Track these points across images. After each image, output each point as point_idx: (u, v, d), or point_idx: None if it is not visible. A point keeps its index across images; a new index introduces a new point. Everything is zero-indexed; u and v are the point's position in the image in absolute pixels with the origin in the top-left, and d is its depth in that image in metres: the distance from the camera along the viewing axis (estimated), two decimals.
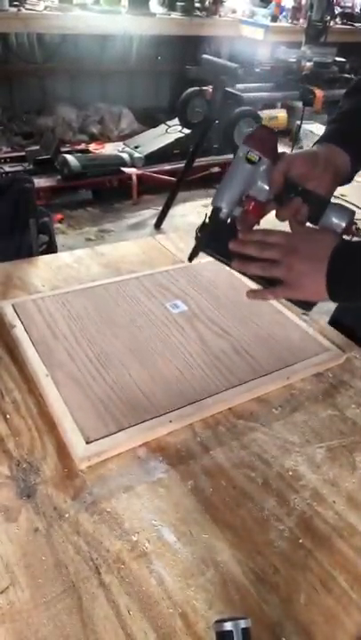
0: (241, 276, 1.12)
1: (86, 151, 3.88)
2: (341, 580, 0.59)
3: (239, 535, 0.62)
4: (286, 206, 0.73)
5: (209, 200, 0.77)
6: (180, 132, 3.86)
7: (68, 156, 3.40)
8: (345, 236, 0.72)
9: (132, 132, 4.29)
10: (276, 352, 0.91)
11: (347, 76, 3.25)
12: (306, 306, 0.77)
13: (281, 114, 4.22)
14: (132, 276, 1.09)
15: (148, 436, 0.73)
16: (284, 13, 4.34)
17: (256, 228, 0.75)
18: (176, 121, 3.78)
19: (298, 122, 3.36)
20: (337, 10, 4.62)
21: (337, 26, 4.44)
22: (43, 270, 1.10)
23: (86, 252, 1.19)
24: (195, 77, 3.27)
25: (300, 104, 3.19)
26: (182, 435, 0.74)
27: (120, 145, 4.00)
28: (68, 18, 3.44)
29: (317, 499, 0.68)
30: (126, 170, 3.58)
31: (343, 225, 0.71)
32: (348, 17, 4.75)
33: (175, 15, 3.98)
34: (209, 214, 0.73)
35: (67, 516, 0.62)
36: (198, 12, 4.10)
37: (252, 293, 0.76)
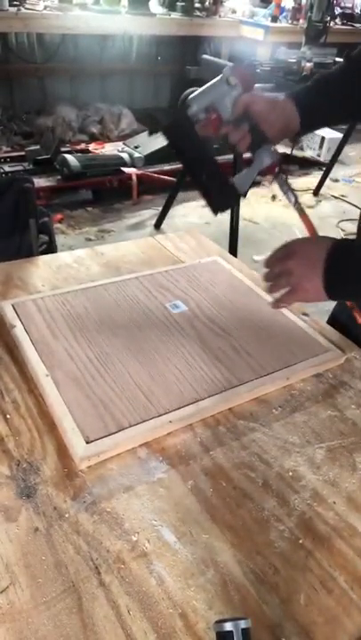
0: (241, 276, 1.13)
1: (86, 151, 3.88)
2: (341, 581, 0.59)
3: (239, 535, 0.62)
4: (237, 130, 0.83)
5: None
6: None
7: (68, 156, 3.40)
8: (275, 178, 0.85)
9: (131, 132, 4.29)
10: (276, 352, 0.91)
11: None
12: (213, 209, 0.85)
13: None
14: (132, 275, 1.09)
15: (148, 436, 0.73)
16: (284, 14, 4.34)
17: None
18: None
19: None
20: (337, 10, 4.63)
21: (337, 26, 4.44)
22: (43, 270, 1.10)
23: (86, 252, 1.19)
24: (195, 78, 3.27)
25: None
26: (182, 435, 0.74)
27: (120, 145, 4.00)
28: (68, 18, 3.44)
29: (318, 499, 0.68)
30: (126, 170, 3.58)
31: (269, 162, 0.83)
32: (348, 17, 4.76)
33: (175, 15, 3.98)
34: (178, 108, 0.85)
35: (67, 515, 0.62)
36: (198, 13, 4.10)
37: (273, 304, 0.85)
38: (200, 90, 0.84)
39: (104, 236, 3.23)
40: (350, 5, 4.91)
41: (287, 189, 0.85)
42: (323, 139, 4.36)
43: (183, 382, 0.81)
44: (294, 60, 3.25)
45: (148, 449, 0.72)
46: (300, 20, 4.21)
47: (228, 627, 0.47)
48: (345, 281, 0.75)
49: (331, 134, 4.26)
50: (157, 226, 3.35)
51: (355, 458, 0.74)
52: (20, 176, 1.72)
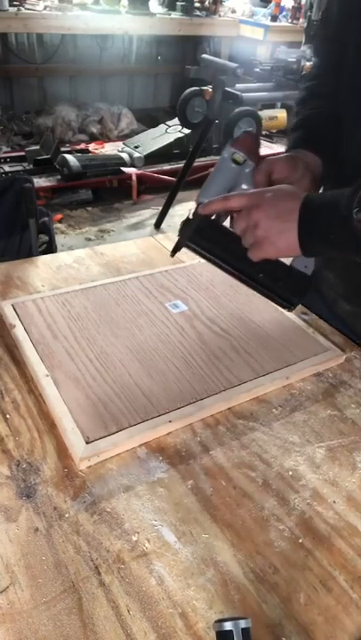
0: None
1: (86, 151, 3.88)
2: (341, 580, 0.59)
3: (239, 535, 0.62)
4: None
5: None
6: (180, 132, 3.86)
7: (68, 156, 3.41)
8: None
9: (131, 132, 4.29)
10: (276, 352, 0.91)
11: None
12: (288, 304, 0.78)
13: (281, 114, 4.22)
14: (132, 275, 1.09)
15: (148, 435, 0.73)
16: (283, 13, 4.34)
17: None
18: (176, 121, 3.78)
19: None
20: None
21: None
22: (43, 270, 1.10)
23: (86, 252, 1.19)
24: (194, 77, 3.28)
25: None
26: (182, 435, 0.74)
27: (120, 145, 4.01)
28: (68, 18, 3.44)
29: (317, 499, 0.68)
30: (126, 170, 3.58)
31: None
32: None
33: (175, 15, 3.99)
34: (193, 211, 0.75)
35: (67, 515, 0.62)
36: (198, 12, 4.11)
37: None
38: (206, 183, 0.75)
39: (104, 235, 3.23)
40: None
41: None
42: None
43: (183, 382, 0.81)
44: (294, 60, 3.24)
45: (148, 449, 0.72)
46: (300, 20, 4.22)
47: (228, 626, 0.47)
48: (321, 235, 0.68)
49: None
50: (157, 226, 3.36)
51: (355, 457, 0.74)
52: (20, 176, 1.72)
